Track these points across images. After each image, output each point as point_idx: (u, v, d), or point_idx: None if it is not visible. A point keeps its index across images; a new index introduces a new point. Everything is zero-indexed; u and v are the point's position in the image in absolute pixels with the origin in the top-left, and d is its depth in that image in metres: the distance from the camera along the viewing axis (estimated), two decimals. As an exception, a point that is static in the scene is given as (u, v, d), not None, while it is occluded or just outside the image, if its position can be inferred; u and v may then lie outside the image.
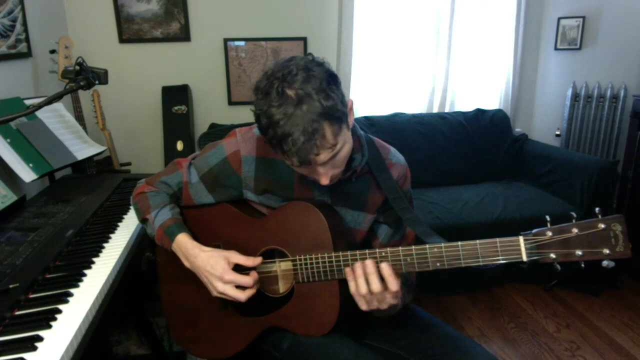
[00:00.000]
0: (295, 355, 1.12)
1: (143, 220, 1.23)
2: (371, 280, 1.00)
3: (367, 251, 1.05)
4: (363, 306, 1.03)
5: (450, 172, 3.01)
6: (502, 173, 3.09)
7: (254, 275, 1.10)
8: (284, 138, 0.92)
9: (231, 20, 2.92)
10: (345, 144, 0.99)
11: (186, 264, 1.14)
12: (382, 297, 1.01)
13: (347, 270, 1.04)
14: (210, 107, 3.04)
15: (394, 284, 0.99)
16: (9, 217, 1.45)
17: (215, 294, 1.10)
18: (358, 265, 1.02)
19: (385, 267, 1.00)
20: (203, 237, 1.18)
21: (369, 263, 1.01)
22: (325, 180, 1.01)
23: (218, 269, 1.08)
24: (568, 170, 2.73)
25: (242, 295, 1.07)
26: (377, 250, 1.05)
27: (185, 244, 1.14)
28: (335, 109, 0.94)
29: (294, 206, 1.13)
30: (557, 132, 3.27)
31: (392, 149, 1.24)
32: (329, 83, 0.94)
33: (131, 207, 1.62)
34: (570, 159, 2.79)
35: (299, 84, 0.92)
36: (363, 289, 1.00)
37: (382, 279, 1.00)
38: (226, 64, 2.98)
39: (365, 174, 1.17)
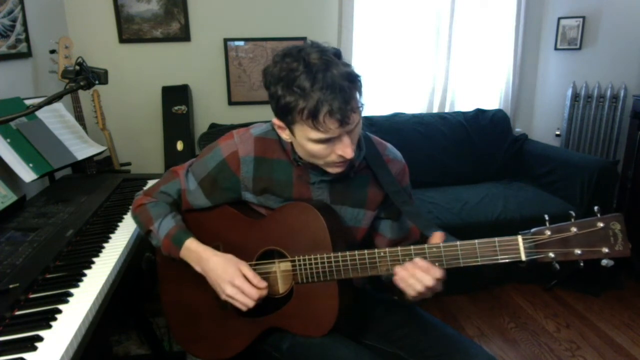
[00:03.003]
0: (295, 356, 1.12)
1: (147, 233, 1.23)
2: (421, 277, 0.99)
3: (365, 251, 1.05)
4: (416, 298, 1.02)
5: (450, 172, 3.00)
6: (502, 173, 3.08)
7: (262, 288, 1.09)
8: (321, 102, 0.93)
9: (231, 20, 2.92)
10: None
11: (197, 268, 1.15)
12: (435, 285, 1.00)
13: (396, 278, 1.02)
14: (210, 107, 3.04)
15: (437, 272, 0.98)
16: (9, 217, 1.45)
17: (223, 296, 1.11)
18: (400, 269, 1.01)
19: (420, 262, 0.99)
20: (203, 239, 1.17)
21: (418, 261, 0.99)
22: (350, 152, 1.01)
23: (230, 272, 1.09)
24: (568, 170, 2.73)
25: (247, 301, 1.08)
26: (375, 250, 1.05)
27: (196, 249, 1.15)
28: (356, 74, 0.98)
29: (293, 207, 1.13)
30: (557, 132, 3.26)
31: (389, 145, 1.24)
32: (341, 53, 1.00)
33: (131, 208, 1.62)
34: (570, 159, 2.78)
35: (318, 54, 0.96)
36: (418, 286, 0.99)
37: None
38: (226, 64, 2.97)
39: (363, 170, 1.18)
